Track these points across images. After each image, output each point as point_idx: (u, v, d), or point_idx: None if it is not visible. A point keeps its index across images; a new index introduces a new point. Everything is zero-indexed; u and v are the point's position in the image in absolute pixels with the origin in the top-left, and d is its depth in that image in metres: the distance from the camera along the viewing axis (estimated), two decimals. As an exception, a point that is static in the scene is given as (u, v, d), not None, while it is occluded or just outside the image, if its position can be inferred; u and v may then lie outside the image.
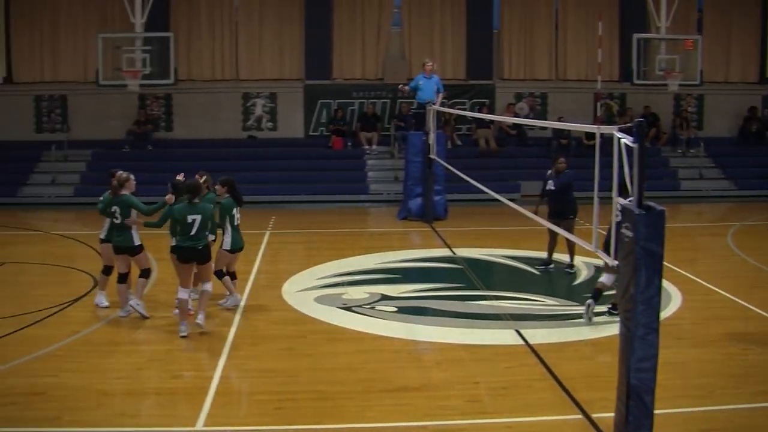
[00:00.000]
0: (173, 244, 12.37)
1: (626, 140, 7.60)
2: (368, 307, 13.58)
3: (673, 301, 13.75)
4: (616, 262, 7.98)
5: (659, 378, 7.70)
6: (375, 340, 11.91)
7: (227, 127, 29.69)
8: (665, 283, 12.88)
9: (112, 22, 28.26)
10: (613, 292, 12.12)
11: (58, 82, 29.20)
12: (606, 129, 8.39)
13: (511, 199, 16.26)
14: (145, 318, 12.77)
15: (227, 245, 13.13)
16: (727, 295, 14.25)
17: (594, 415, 8.83)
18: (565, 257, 16.18)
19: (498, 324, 12.65)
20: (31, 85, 29.23)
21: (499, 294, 14.41)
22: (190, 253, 11.96)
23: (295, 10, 29.53)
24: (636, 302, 7.47)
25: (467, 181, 17.73)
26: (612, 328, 10.52)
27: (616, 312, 11.44)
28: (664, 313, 12.34)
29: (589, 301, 12.61)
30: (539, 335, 11.95)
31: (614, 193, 8.06)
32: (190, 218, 11.83)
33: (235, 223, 13.21)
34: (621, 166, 7.71)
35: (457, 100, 29.27)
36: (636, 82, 27.80)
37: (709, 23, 30.42)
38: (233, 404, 9.48)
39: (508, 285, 15.38)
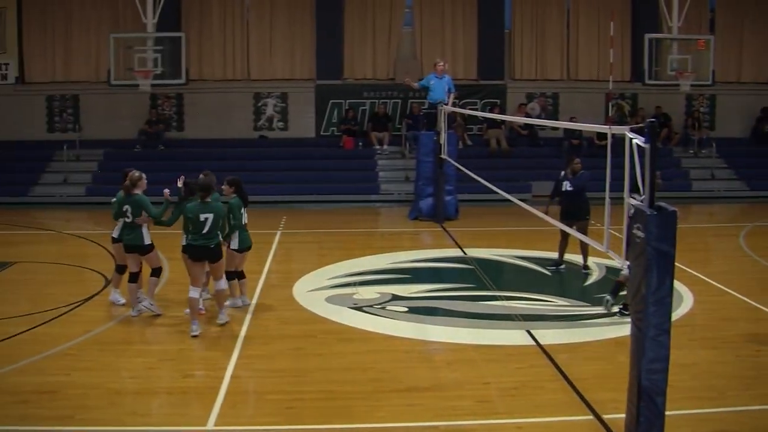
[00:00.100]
0: (184, 242, 12.40)
1: (638, 140, 7.58)
2: (379, 307, 13.58)
3: (684, 301, 13.72)
4: (627, 262, 7.97)
5: (670, 379, 7.69)
6: (385, 340, 11.92)
7: (238, 126, 29.72)
8: (677, 284, 12.89)
9: (123, 22, 28.34)
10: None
11: (70, 82, 29.26)
12: (618, 129, 8.37)
13: (522, 200, 16.22)
14: (158, 315, 12.82)
15: (235, 245, 13.14)
16: (739, 296, 14.21)
17: (605, 416, 8.82)
18: (574, 258, 16.15)
19: (509, 324, 12.64)
20: (43, 84, 29.30)
21: (509, 294, 14.39)
22: (203, 252, 12.02)
23: (307, 10, 29.55)
24: (647, 303, 7.45)
25: (478, 182, 17.71)
26: (623, 329, 10.50)
27: (627, 312, 11.42)
28: (676, 314, 12.30)
29: (608, 297, 12.66)
30: (550, 336, 11.93)
31: (626, 193, 8.04)
32: (202, 217, 11.91)
33: (243, 222, 13.23)
34: (633, 167, 7.69)
35: (468, 100, 29.23)
36: (648, 82, 27.71)
37: (721, 23, 30.33)
38: (244, 404, 9.49)
39: (518, 285, 15.35)
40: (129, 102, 28.63)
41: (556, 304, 13.85)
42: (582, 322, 12.76)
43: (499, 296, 14.24)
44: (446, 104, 21.67)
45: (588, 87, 30.11)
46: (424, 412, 9.15)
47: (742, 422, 8.90)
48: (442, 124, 21.48)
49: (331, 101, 29.93)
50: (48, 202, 26.46)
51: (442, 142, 21.56)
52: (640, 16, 29.70)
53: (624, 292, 12.23)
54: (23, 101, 29.12)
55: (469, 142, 28.99)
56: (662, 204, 7.56)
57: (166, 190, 12.79)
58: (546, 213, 14.20)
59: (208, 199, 12.08)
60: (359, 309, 13.46)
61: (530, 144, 29.61)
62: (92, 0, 28.90)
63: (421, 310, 13.42)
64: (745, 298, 14.02)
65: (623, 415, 8.09)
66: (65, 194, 26.87)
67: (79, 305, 13.54)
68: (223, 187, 13.23)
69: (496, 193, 16.41)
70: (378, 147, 29.09)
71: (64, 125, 29.48)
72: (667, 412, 7.70)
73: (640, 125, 7.68)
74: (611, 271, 15.64)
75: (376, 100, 29.82)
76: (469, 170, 18.98)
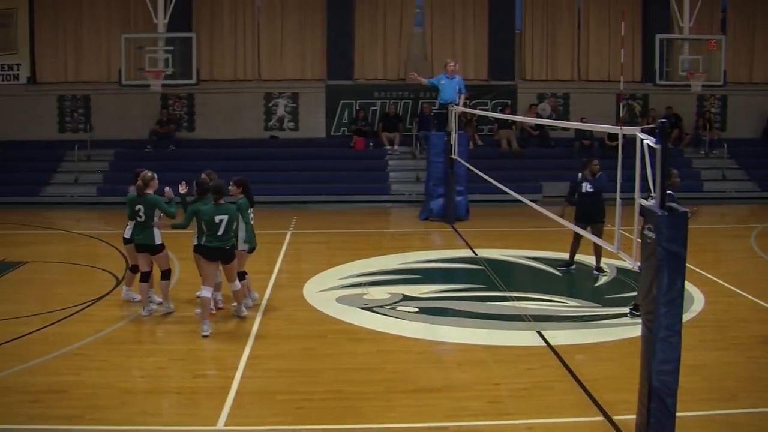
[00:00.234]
0: (197, 243, 12.47)
1: (649, 141, 7.57)
2: (389, 307, 13.58)
3: (695, 303, 13.69)
4: (638, 263, 7.96)
5: (681, 380, 7.67)
6: (396, 341, 11.92)
7: (249, 127, 29.74)
8: (688, 285, 12.85)
9: (134, 22, 28.40)
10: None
11: (81, 82, 29.34)
12: (629, 130, 8.35)
13: (532, 200, 16.18)
14: (169, 313, 12.89)
15: (244, 246, 13.14)
16: (751, 297, 14.16)
17: (615, 417, 8.80)
18: (585, 258, 16.11)
19: (519, 325, 12.63)
20: (54, 85, 29.39)
21: (520, 295, 14.36)
22: (218, 253, 12.09)
23: (317, 11, 29.56)
24: (658, 304, 7.44)
25: (489, 182, 17.69)
26: (634, 330, 10.48)
27: (638, 313, 11.39)
28: (687, 315, 12.27)
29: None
30: (560, 336, 11.91)
31: (636, 194, 8.02)
32: (217, 218, 11.97)
33: (250, 223, 13.25)
34: (644, 166, 7.67)
35: (478, 101, 29.19)
36: (659, 82, 27.65)
37: (732, 23, 30.23)
38: (254, 404, 9.49)
39: (529, 286, 15.33)
40: (140, 102, 28.70)
41: (567, 304, 13.83)
42: (592, 323, 12.73)
43: (510, 297, 14.22)
44: (457, 105, 21.64)
45: (599, 87, 30.06)
46: (434, 413, 9.15)
47: (754, 424, 8.88)
48: (453, 125, 21.47)
49: (341, 101, 29.93)
50: (59, 202, 26.52)
51: (452, 142, 21.55)
52: (651, 17, 29.62)
53: None
54: (35, 101, 29.20)
55: (479, 143, 28.98)
56: (673, 205, 7.54)
57: (168, 189, 12.88)
58: (562, 215, 14.17)
59: (222, 201, 12.13)
60: (370, 309, 13.46)
61: (541, 144, 29.57)
62: (103, 1, 28.96)
63: (431, 311, 13.42)
64: (757, 300, 13.97)
65: (634, 416, 8.08)
66: (76, 194, 26.92)
67: (89, 305, 13.57)
68: (230, 187, 13.22)
69: (507, 193, 16.38)
70: (389, 147, 29.09)
71: (75, 125, 29.55)
72: (677, 414, 7.69)
73: (651, 126, 7.66)
74: (622, 272, 15.61)
75: (387, 101, 29.81)
76: (480, 171, 18.96)
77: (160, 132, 28.77)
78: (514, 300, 14.03)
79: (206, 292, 12.12)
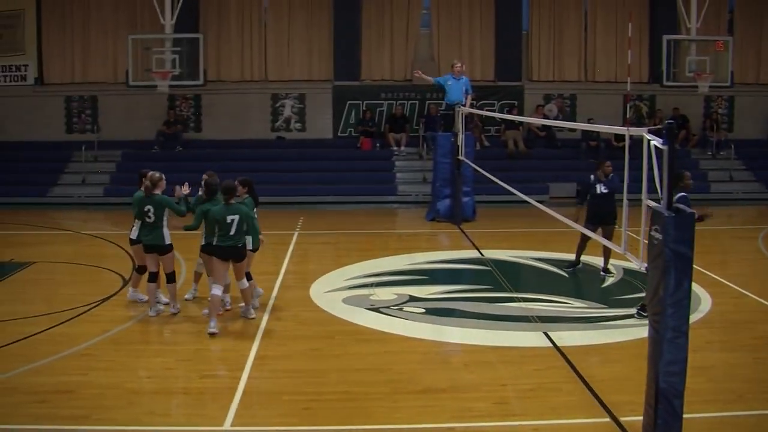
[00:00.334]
0: (206, 242, 12.60)
1: (656, 142, 7.56)
2: (396, 308, 13.58)
3: (702, 304, 13.66)
4: (645, 264, 7.95)
5: (688, 382, 7.67)
6: (403, 342, 11.92)
7: (256, 127, 29.77)
8: (695, 286, 12.80)
9: (141, 23, 28.46)
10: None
11: (89, 83, 29.40)
12: (636, 131, 8.35)
13: (539, 201, 16.17)
14: (175, 314, 12.93)
15: (250, 245, 13.16)
16: (758, 298, 14.14)
17: (622, 419, 8.79)
18: (592, 259, 16.09)
19: (526, 326, 12.61)
20: (61, 86, 29.45)
21: (527, 296, 14.35)
22: (231, 252, 12.21)
23: (324, 12, 29.58)
24: (665, 305, 7.44)
25: (496, 183, 17.69)
26: (641, 331, 10.46)
27: (645, 314, 11.38)
28: (694, 317, 12.26)
29: None
30: (567, 337, 11.91)
31: (644, 195, 8.01)
32: (229, 218, 12.07)
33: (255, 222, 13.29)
34: (651, 168, 7.67)
35: (485, 102, 29.18)
36: (666, 83, 27.63)
37: (740, 24, 30.17)
38: (261, 404, 9.50)
39: (536, 287, 15.32)
40: (147, 103, 28.76)
41: (574, 305, 13.82)
42: (599, 324, 12.72)
43: (517, 298, 14.21)
44: (464, 105, 21.63)
45: (606, 88, 30.02)
46: (441, 414, 9.15)
47: (761, 426, 8.87)
48: (460, 126, 21.46)
49: (348, 102, 29.94)
50: (66, 202, 26.56)
51: (459, 143, 21.55)
52: (658, 18, 29.57)
53: None
54: (42, 102, 29.28)
55: (486, 144, 28.98)
56: (680, 206, 7.54)
57: (177, 187, 12.93)
58: (576, 220, 14.16)
59: (232, 201, 12.21)
60: (376, 310, 13.46)
61: (548, 145, 29.55)
62: (110, 1, 29.03)
63: (438, 312, 13.42)
64: (764, 301, 13.95)
65: (640, 418, 8.08)
66: (83, 195, 26.98)
67: (96, 305, 13.59)
68: None
69: (514, 194, 16.37)
70: (395, 148, 29.10)
71: (83, 126, 29.62)
72: (684, 415, 7.68)
73: (658, 127, 7.65)
74: (629, 273, 15.60)
75: (394, 102, 29.83)
76: (487, 171, 18.96)
77: (167, 133, 28.81)
78: (520, 301, 14.02)
79: (217, 291, 12.20)
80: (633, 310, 12.96)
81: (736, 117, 30.93)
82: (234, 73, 29.60)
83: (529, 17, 30.18)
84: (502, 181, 17.30)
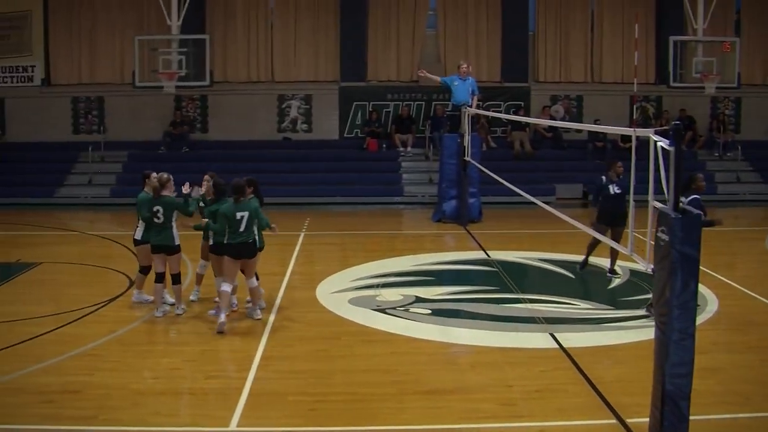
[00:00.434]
0: (215, 242, 12.70)
1: (662, 143, 7.55)
2: (402, 309, 13.58)
3: (709, 305, 13.64)
4: (652, 266, 7.94)
5: (694, 383, 7.65)
6: (409, 342, 11.91)
7: (262, 128, 29.80)
8: (701, 288, 12.83)
9: (148, 24, 28.50)
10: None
11: (95, 83, 29.46)
12: (642, 132, 8.33)
13: (545, 202, 16.15)
14: (180, 315, 12.95)
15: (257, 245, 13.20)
16: (765, 300, 14.11)
17: (628, 420, 8.77)
18: (600, 261, 16.06)
19: (532, 327, 12.60)
20: (68, 86, 29.52)
21: (533, 297, 14.33)
22: (242, 248, 12.32)
23: (331, 12, 29.60)
24: (672, 306, 7.43)
25: (502, 184, 17.67)
26: (647, 333, 10.45)
27: (651, 313, 11.36)
28: (700, 318, 12.22)
29: None
30: (574, 339, 11.89)
31: (650, 196, 8.00)
32: (239, 215, 12.18)
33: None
34: (657, 169, 7.66)
35: (492, 103, 29.13)
36: (672, 84, 27.54)
37: (746, 25, 30.13)
38: (267, 405, 9.50)
39: (542, 288, 15.29)
40: (153, 104, 28.82)
41: (580, 307, 13.80)
42: (606, 326, 12.71)
43: (523, 299, 14.20)
44: (470, 106, 21.62)
45: (612, 89, 30.03)
46: (447, 415, 9.15)
47: (768, 428, 8.86)
48: (466, 127, 21.45)
49: (354, 103, 29.95)
50: (73, 203, 26.63)
51: (465, 144, 21.54)
52: (665, 19, 29.55)
53: None
54: (49, 103, 29.35)
55: (492, 145, 28.96)
56: (687, 207, 7.53)
57: (186, 183, 13.00)
58: (593, 225, 14.17)
59: (242, 199, 12.33)
60: (382, 311, 13.46)
61: (554, 146, 29.52)
62: (117, 2, 29.10)
63: (444, 313, 13.42)
64: (771, 302, 13.94)
65: (647, 419, 8.06)
66: (90, 195, 27.05)
67: (103, 306, 13.61)
68: None
69: (520, 195, 16.35)
70: (402, 149, 29.11)
71: (89, 127, 29.68)
72: (691, 417, 7.66)
73: (665, 128, 7.64)
74: (635, 274, 15.58)
75: (400, 102, 29.84)
76: (493, 172, 18.94)
77: (174, 133, 28.84)
78: (527, 302, 14.00)
79: (226, 287, 12.31)
80: (640, 312, 12.96)
81: (743, 118, 30.89)
82: (240, 74, 29.64)
83: (535, 18, 30.18)
84: (508, 182, 17.27)
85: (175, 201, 12.84)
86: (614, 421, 8.87)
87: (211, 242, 12.86)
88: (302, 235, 20.64)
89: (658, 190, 7.80)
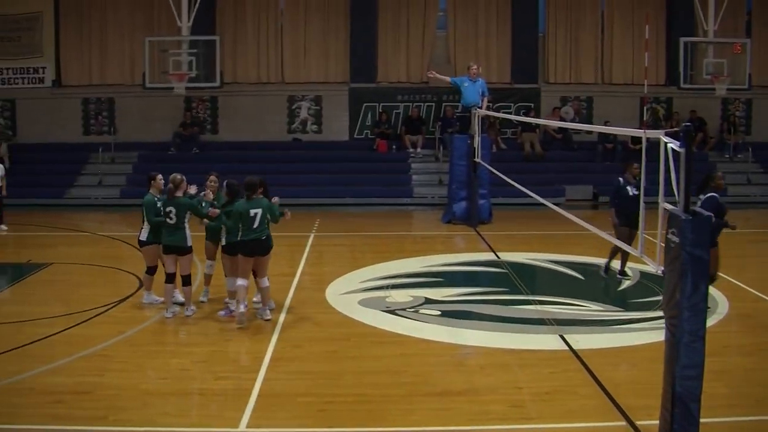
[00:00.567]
0: (227, 242, 12.82)
1: (673, 145, 7.53)
2: (412, 310, 13.57)
3: (719, 308, 13.60)
4: (662, 268, 7.92)
5: (705, 386, 7.62)
6: (419, 344, 11.90)
7: (272, 129, 29.83)
8: (712, 290, 12.80)
9: (158, 25, 28.56)
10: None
11: (106, 85, 29.55)
12: (653, 133, 8.31)
13: (555, 204, 16.13)
14: (189, 315, 12.96)
15: None
16: (775, 302, 14.09)
17: (638, 423, 8.75)
18: (611, 263, 16.04)
19: (542, 329, 12.59)
20: (79, 88, 29.61)
21: (543, 299, 14.32)
22: (255, 245, 12.43)
23: (341, 14, 29.63)
24: (682, 308, 7.40)
25: (512, 185, 17.65)
26: (657, 335, 10.42)
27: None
28: (711, 320, 12.18)
29: None
30: (583, 341, 11.87)
31: (660, 197, 7.98)
32: (252, 212, 12.34)
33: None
34: (668, 171, 7.64)
35: (502, 104, 29.09)
36: (683, 86, 27.46)
37: (757, 26, 30.02)
38: (276, 406, 9.50)
39: (552, 290, 15.27)
40: (164, 105, 28.86)
41: (590, 308, 13.78)
42: (616, 327, 12.68)
43: (533, 300, 14.18)
44: (480, 108, 21.61)
45: (622, 91, 29.97)
46: (457, 416, 9.13)
47: (779, 430, 8.84)
48: (476, 128, 21.44)
49: (364, 104, 29.97)
50: (83, 204, 26.71)
51: (475, 145, 21.53)
52: (676, 20, 29.48)
53: None
54: (60, 104, 29.45)
55: (502, 146, 28.95)
56: (697, 209, 7.51)
57: (193, 186, 13.10)
58: (615, 227, 14.18)
59: (254, 197, 12.45)
60: (392, 312, 13.46)
61: (564, 148, 29.50)
62: (128, 4, 29.18)
63: (454, 314, 13.41)
64: (782, 305, 13.90)
65: (657, 422, 8.04)
66: (100, 196, 27.14)
67: (113, 306, 13.64)
68: None
69: (530, 196, 16.33)
70: (411, 150, 29.13)
71: (100, 128, 29.77)
72: (701, 420, 7.64)
73: (675, 129, 7.62)
74: (645, 276, 15.54)
75: (410, 104, 29.86)
76: (503, 174, 18.91)
77: (184, 134, 28.90)
78: (537, 304, 13.98)
79: (242, 281, 12.46)
80: (650, 314, 12.94)
81: (754, 120, 30.81)
82: (250, 75, 29.69)
83: (545, 19, 30.16)
84: (518, 183, 17.25)
85: (188, 202, 12.87)
86: (624, 423, 8.85)
87: (223, 242, 12.93)
88: (312, 236, 20.66)
89: (669, 192, 7.78)
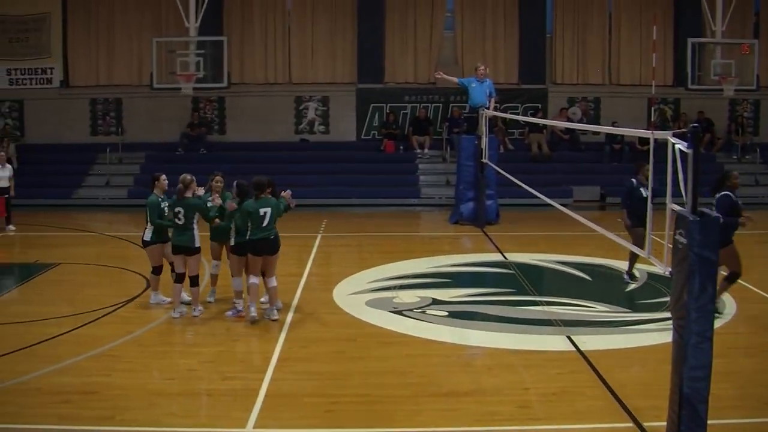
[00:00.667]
0: (236, 243, 12.84)
1: (680, 146, 7.52)
2: (419, 311, 13.57)
3: (727, 309, 13.57)
4: (670, 269, 7.90)
5: (712, 387, 7.61)
6: (425, 345, 11.90)
7: (280, 130, 29.84)
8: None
9: (166, 26, 28.59)
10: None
11: (114, 85, 29.60)
12: (660, 134, 8.29)
13: (563, 204, 16.13)
14: (196, 316, 12.97)
15: None
16: (783, 303, 14.06)
17: (645, 424, 8.74)
18: (615, 263, 16.01)
19: (549, 330, 12.58)
20: (87, 88, 29.66)
21: (550, 300, 14.31)
22: (264, 244, 12.50)
23: (348, 14, 29.63)
24: (689, 310, 7.39)
25: (519, 186, 17.64)
26: (665, 336, 10.40)
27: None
28: (718, 322, 12.16)
29: None
30: (591, 342, 11.85)
31: (668, 198, 7.97)
32: (262, 211, 12.42)
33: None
34: (675, 172, 7.63)
35: (509, 105, 29.05)
36: (690, 86, 27.43)
37: (765, 27, 29.92)
38: (283, 406, 9.50)
39: (559, 290, 15.27)
40: (171, 105, 28.91)
41: (597, 309, 13.75)
42: (623, 328, 12.67)
43: (540, 301, 14.17)
44: (487, 108, 21.59)
45: (630, 92, 29.91)
46: (463, 417, 9.13)
47: (786, 432, 8.81)
48: (484, 129, 21.43)
49: (372, 105, 29.97)
50: (91, 204, 26.76)
51: (483, 146, 21.52)
52: (683, 21, 29.40)
53: None
54: (67, 105, 29.51)
55: (510, 146, 28.91)
56: (705, 210, 7.49)
57: (200, 189, 13.18)
58: (629, 229, 14.17)
59: (263, 196, 12.51)
60: (399, 313, 13.46)
61: (571, 148, 29.48)
62: (135, 5, 29.22)
63: (461, 315, 13.41)
64: (789, 306, 13.87)
65: (664, 423, 8.02)
66: (108, 197, 27.17)
67: (120, 306, 13.66)
68: None
69: (537, 197, 16.32)
70: (419, 151, 29.13)
71: (107, 128, 29.82)
72: (709, 421, 7.62)
73: (683, 130, 7.61)
74: (653, 277, 15.51)
75: (417, 104, 29.85)
76: (510, 174, 18.91)
77: (192, 135, 28.93)
78: (544, 305, 13.97)
79: (254, 279, 12.59)
80: (657, 315, 12.91)
81: (762, 121, 30.73)
82: (258, 76, 29.71)
83: (552, 20, 30.12)
84: (525, 184, 17.24)
85: (197, 203, 12.89)
86: (631, 424, 8.84)
87: (232, 242, 12.94)
88: (319, 236, 20.67)
89: (677, 193, 7.77)
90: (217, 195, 13.30)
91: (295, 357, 11.26)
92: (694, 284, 7.34)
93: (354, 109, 30.09)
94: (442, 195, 27.15)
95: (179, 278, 13.01)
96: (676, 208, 7.72)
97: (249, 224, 12.44)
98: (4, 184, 21.39)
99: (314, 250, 18.87)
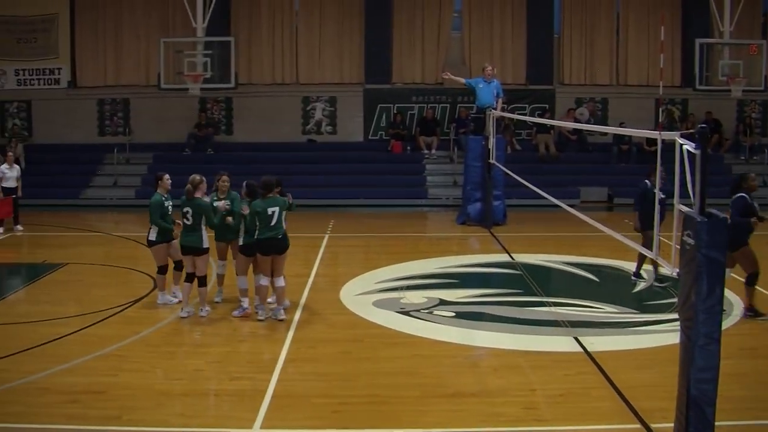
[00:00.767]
0: (244, 243, 12.89)
1: (688, 146, 7.51)
2: (426, 311, 13.56)
3: (735, 310, 13.54)
4: (677, 270, 7.89)
5: (720, 389, 7.59)
6: (432, 345, 11.90)
7: (287, 130, 29.84)
8: (727, 292, 12.69)
9: (173, 27, 28.63)
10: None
11: (121, 86, 29.63)
12: (668, 135, 8.28)
13: (570, 205, 16.10)
14: (203, 316, 12.98)
15: None
16: (791, 304, 13.99)
17: (653, 425, 8.72)
18: (623, 264, 15.98)
19: (556, 331, 12.57)
20: (94, 89, 29.71)
21: (557, 300, 14.29)
22: (271, 243, 12.53)
23: (355, 15, 29.62)
24: (697, 311, 7.38)
25: (527, 187, 17.63)
26: (672, 337, 10.38)
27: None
28: (726, 323, 12.14)
29: None
30: (598, 343, 11.83)
31: (676, 199, 7.96)
32: (270, 210, 12.44)
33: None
34: (683, 172, 7.61)
35: (516, 105, 29.01)
36: (698, 87, 27.42)
37: (774, 28, 29.92)
38: (290, 407, 9.50)
39: (567, 291, 15.26)
40: (178, 106, 28.91)
41: (605, 310, 13.73)
42: (630, 330, 12.65)
43: (547, 302, 14.15)
44: (495, 109, 21.58)
45: (637, 92, 29.86)
46: (470, 418, 9.12)
47: (794, 433, 8.79)
48: (491, 129, 21.42)
49: (379, 105, 29.96)
50: (98, 204, 26.81)
51: (490, 146, 21.51)
52: (691, 21, 29.34)
53: None
54: (75, 105, 29.56)
55: (517, 147, 28.91)
56: (713, 211, 7.48)
57: (221, 203, 13.17)
58: (640, 231, 14.16)
59: (270, 195, 12.54)
60: (406, 313, 13.45)
61: (579, 149, 29.44)
62: (143, 5, 29.25)
63: (468, 316, 13.40)
64: (797, 307, 13.81)
65: (671, 425, 8.01)
66: (115, 197, 27.22)
67: (128, 306, 13.67)
68: None
69: (545, 198, 16.31)
70: (426, 151, 29.10)
71: (115, 129, 29.85)
72: (716, 423, 7.61)
73: (691, 131, 7.60)
74: (658, 278, 15.48)
75: (425, 105, 29.82)
76: (518, 175, 18.89)
77: (199, 135, 28.95)
78: (551, 305, 13.95)
79: (264, 281, 12.69)
80: (665, 316, 12.89)
81: (770, 121, 30.67)
82: (265, 76, 29.72)
83: (560, 20, 30.07)
84: (533, 184, 17.24)
85: (205, 206, 12.91)
86: (639, 426, 8.83)
87: (240, 242, 12.97)
88: (326, 236, 20.67)
89: (684, 194, 7.76)
90: (223, 195, 13.34)
91: (302, 357, 11.27)
92: (701, 285, 7.33)
93: (361, 110, 30.08)
94: (449, 195, 27.13)
95: (189, 278, 13.04)
96: (684, 209, 7.71)
97: (257, 224, 12.46)
98: (12, 184, 21.44)
99: (321, 251, 18.88)
